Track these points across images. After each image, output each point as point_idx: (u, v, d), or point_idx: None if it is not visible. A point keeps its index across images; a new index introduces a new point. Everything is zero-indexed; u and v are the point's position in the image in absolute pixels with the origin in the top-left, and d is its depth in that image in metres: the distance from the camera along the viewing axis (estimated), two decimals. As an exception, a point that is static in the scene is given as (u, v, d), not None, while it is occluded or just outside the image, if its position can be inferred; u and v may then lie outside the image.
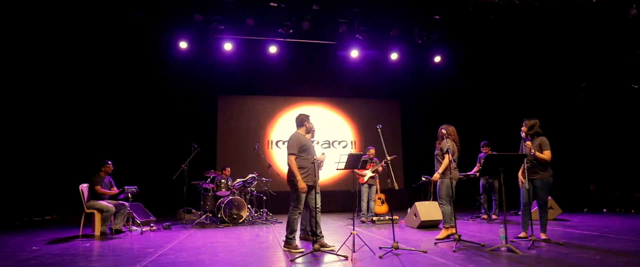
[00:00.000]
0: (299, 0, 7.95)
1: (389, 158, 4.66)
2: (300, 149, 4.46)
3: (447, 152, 4.95)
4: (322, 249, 4.31)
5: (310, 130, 4.70)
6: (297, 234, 4.63)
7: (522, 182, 4.78)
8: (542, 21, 8.23)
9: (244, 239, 5.39)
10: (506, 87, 10.41)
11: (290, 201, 4.51)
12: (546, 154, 4.65)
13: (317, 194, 4.50)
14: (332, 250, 4.28)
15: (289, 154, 4.44)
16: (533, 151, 4.68)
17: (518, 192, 4.92)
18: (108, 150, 8.17)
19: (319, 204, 4.53)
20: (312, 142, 4.72)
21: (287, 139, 4.66)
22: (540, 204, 4.76)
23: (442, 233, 5.00)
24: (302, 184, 4.34)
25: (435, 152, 5.20)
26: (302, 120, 4.66)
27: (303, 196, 4.46)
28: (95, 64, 8.99)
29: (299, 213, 4.50)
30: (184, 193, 7.12)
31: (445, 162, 4.96)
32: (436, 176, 5.09)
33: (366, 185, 7.15)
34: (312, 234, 4.51)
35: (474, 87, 10.73)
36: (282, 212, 8.74)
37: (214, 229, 6.59)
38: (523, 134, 4.85)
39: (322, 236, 4.54)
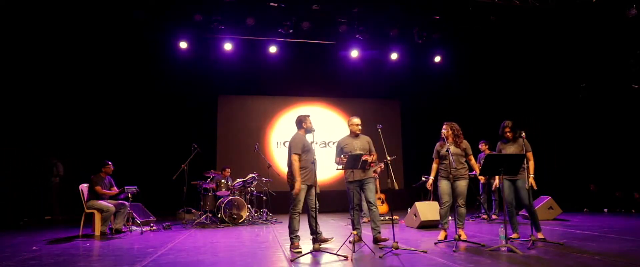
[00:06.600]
0: (299, 0, 7.95)
1: (388, 159, 4.65)
2: (303, 149, 4.49)
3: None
4: (321, 246, 4.36)
5: (309, 130, 4.68)
6: (302, 234, 4.66)
7: (490, 181, 4.67)
8: (542, 21, 8.23)
9: (244, 239, 5.39)
10: (506, 87, 10.40)
11: (290, 201, 4.52)
12: (531, 156, 4.66)
13: (316, 195, 4.52)
14: (329, 241, 4.46)
15: (294, 153, 4.46)
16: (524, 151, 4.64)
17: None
18: (108, 150, 8.17)
19: (316, 205, 4.55)
20: (312, 143, 4.71)
21: (289, 140, 4.67)
22: (527, 206, 4.64)
23: (463, 234, 4.76)
24: (298, 186, 4.36)
25: (452, 150, 4.79)
26: (300, 121, 4.69)
27: (302, 195, 4.47)
28: (96, 64, 8.98)
29: (298, 213, 4.49)
30: (184, 193, 7.12)
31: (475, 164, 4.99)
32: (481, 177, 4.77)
33: None
34: (312, 233, 4.54)
35: (474, 87, 10.73)
36: (282, 212, 8.79)
37: (214, 229, 6.59)
38: (509, 135, 4.80)
39: (321, 233, 4.62)
